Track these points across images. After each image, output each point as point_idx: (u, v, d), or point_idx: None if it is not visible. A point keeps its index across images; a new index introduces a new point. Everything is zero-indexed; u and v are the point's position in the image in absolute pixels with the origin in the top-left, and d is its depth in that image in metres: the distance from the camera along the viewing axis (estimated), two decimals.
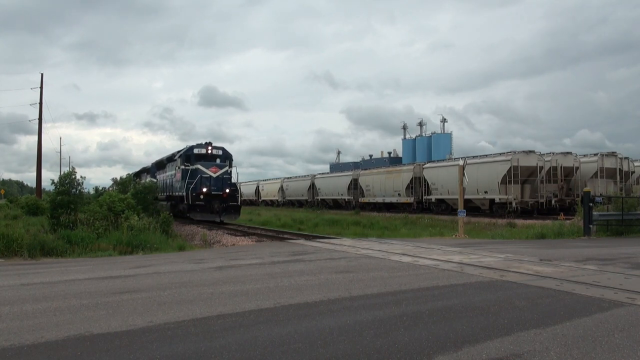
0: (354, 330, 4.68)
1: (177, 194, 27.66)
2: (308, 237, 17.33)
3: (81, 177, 19.15)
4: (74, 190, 18.73)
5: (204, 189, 24.87)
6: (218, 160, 27.05)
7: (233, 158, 27.90)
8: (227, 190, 25.53)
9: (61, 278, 8.28)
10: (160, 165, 35.79)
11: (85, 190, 22.16)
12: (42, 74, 38.36)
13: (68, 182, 18.60)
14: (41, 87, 37.83)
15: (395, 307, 5.67)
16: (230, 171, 26.88)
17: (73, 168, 19.83)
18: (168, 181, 31.01)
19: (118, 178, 30.12)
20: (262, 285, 7.10)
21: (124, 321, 5.06)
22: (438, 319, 5.08)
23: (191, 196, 24.40)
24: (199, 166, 25.73)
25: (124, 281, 7.76)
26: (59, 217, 16.83)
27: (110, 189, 32.43)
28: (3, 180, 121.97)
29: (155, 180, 35.61)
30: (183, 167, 26.39)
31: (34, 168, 60.22)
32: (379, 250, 11.68)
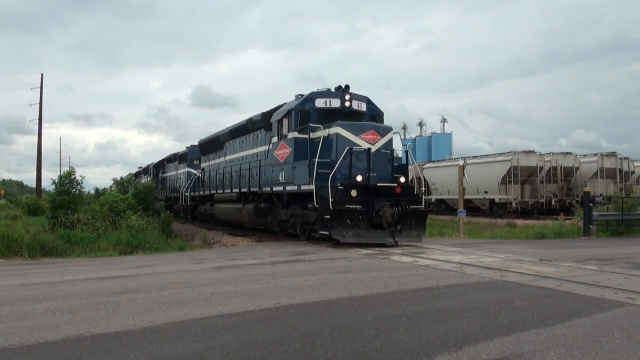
0: (354, 330, 4.68)
1: (273, 189, 15.04)
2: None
3: (80, 176, 19.22)
4: (73, 190, 18.78)
5: (358, 177, 12.38)
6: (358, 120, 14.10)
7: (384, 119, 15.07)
8: (402, 180, 13.25)
9: (61, 278, 8.28)
10: (210, 146, 23.34)
11: (85, 190, 22.12)
12: (42, 75, 38.45)
13: (68, 182, 18.64)
14: (41, 88, 37.87)
15: (395, 307, 5.66)
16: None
17: (72, 168, 19.85)
18: (238, 167, 18.35)
19: (118, 178, 27.88)
20: (262, 285, 7.09)
21: (124, 321, 5.05)
22: (438, 319, 5.07)
23: (332, 192, 11.80)
24: (340, 130, 12.86)
25: (124, 281, 7.76)
26: (59, 217, 16.84)
27: (111, 189, 29.81)
28: (3, 180, 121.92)
29: (195, 172, 25.39)
30: (296, 135, 13.74)
31: (33, 168, 60.31)
32: (379, 250, 11.66)
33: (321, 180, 12.28)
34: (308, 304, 5.84)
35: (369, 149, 12.68)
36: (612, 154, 31.85)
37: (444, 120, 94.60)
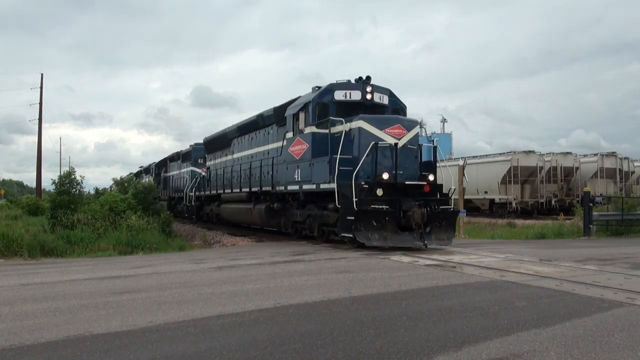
0: (354, 330, 4.68)
1: (288, 188, 14.29)
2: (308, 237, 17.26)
3: (80, 176, 19.22)
4: (73, 190, 18.79)
5: (384, 175, 11.52)
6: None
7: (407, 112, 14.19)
8: (431, 178, 12.41)
9: (61, 278, 8.28)
10: (216, 143, 22.32)
11: (85, 190, 22.10)
12: (42, 75, 38.49)
13: (68, 182, 18.65)
14: (41, 88, 37.90)
15: (395, 307, 5.67)
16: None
17: (72, 168, 19.86)
18: (248, 166, 17.44)
19: (118, 178, 27.37)
20: (262, 285, 7.10)
21: (124, 321, 5.06)
22: (438, 319, 5.07)
23: (356, 191, 11.06)
24: (363, 124, 11.99)
25: (124, 281, 7.76)
26: (59, 217, 16.85)
27: (111, 189, 28.84)
28: (3, 180, 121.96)
29: (199, 171, 24.40)
30: (314, 129, 12.88)
31: (33, 168, 60.37)
32: (379, 251, 11.66)
33: (343, 178, 11.40)
34: (308, 304, 5.84)
35: (396, 144, 11.68)
36: (612, 154, 31.87)
37: (443, 120, 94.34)
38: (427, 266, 8.98)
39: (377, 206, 11.14)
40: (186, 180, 26.87)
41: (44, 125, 63.31)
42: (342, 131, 12.06)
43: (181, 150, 29.79)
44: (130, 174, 43.66)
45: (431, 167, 12.89)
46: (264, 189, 16.02)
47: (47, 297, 6.38)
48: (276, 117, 15.70)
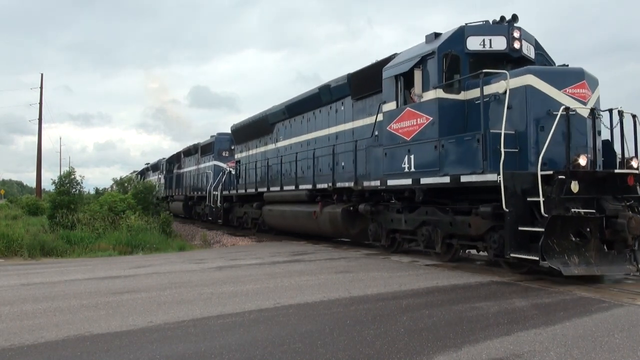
0: (353, 330, 4.68)
1: (388, 183, 9.96)
2: (307, 238, 17.23)
3: (80, 176, 19.26)
4: (73, 190, 18.82)
5: (581, 160, 7.20)
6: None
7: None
8: (634, 164, 7.88)
9: (61, 278, 8.29)
10: (249, 131, 18.49)
11: (85, 191, 22.12)
12: (42, 75, 38.48)
13: (68, 182, 18.68)
14: (41, 88, 37.87)
15: (395, 307, 5.67)
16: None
17: (72, 168, 19.90)
18: (309, 155, 13.73)
19: (118, 178, 25.16)
20: (262, 285, 7.10)
21: (124, 321, 5.06)
22: (438, 319, 5.07)
23: (543, 185, 6.94)
24: (533, 79, 7.76)
25: (123, 281, 7.77)
26: (58, 217, 16.86)
27: (111, 188, 27.60)
28: (3, 180, 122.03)
29: (224, 166, 21.30)
30: (442, 94, 8.80)
31: (33, 168, 60.43)
32: (379, 250, 11.65)
33: (508, 165, 7.43)
34: (308, 304, 5.85)
35: (593, 109, 7.93)
36: None
37: None
38: (428, 266, 8.98)
39: (578, 210, 7.05)
40: (208, 177, 22.73)
41: (43, 125, 63.36)
42: (499, 93, 8.13)
43: (199, 143, 25.71)
44: (134, 172, 43.06)
45: (609, 147, 8.66)
46: (338, 185, 12.12)
47: (47, 297, 6.39)
48: (352, 88, 11.91)
